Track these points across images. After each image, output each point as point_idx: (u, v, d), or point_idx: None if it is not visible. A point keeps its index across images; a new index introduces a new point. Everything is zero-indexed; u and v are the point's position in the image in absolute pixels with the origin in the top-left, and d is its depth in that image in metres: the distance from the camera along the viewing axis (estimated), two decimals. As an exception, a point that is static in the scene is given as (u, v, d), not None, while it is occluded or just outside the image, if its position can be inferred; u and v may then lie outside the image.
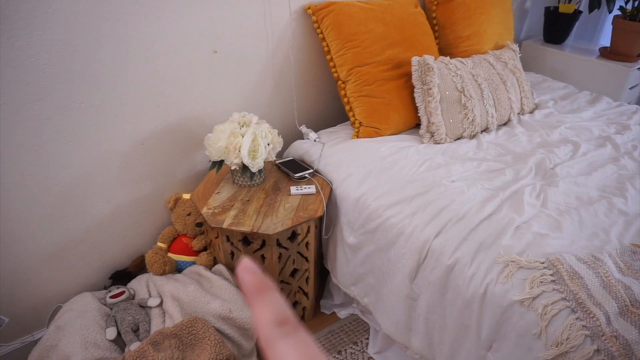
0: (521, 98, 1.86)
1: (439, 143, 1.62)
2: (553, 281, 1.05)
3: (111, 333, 1.34)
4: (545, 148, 1.60)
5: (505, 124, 1.81)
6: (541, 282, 1.05)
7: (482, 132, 1.72)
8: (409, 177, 1.42)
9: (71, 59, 1.22)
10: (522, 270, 1.09)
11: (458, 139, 1.67)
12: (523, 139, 1.68)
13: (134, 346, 1.31)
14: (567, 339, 0.96)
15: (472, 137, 1.69)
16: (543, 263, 1.09)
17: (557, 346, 0.97)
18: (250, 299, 0.24)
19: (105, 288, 1.57)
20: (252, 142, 1.36)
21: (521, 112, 1.87)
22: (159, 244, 1.58)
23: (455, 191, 1.34)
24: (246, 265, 0.24)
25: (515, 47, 1.95)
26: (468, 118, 1.64)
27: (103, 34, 1.24)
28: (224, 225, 1.32)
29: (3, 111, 1.17)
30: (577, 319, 0.99)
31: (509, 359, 1.07)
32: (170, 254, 1.58)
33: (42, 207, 1.34)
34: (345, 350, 1.56)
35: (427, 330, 1.28)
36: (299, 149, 1.68)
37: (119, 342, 1.35)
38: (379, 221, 1.35)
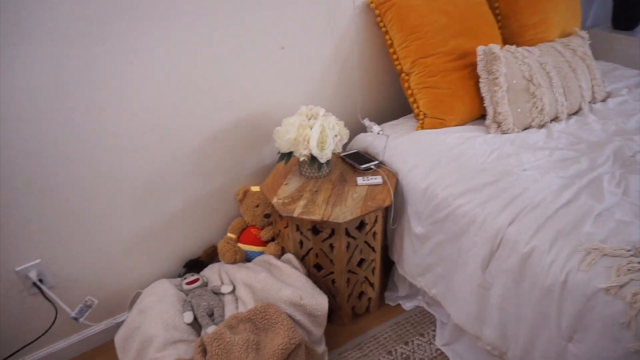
0: (592, 86, 1.78)
1: (506, 133, 1.59)
2: (642, 269, 1.01)
3: (188, 317, 1.41)
4: (622, 136, 1.52)
5: (575, 113, 1.75)
6: (629, 270, 1.01)
7: (551, 121, 1.67)
8: (479, 166, 1.40)
9: (154, 61, 1.30)
10: (607, 258, 1.05)
11: (526, 128, 1.63)
12: (596, 127, 1.61)
13: (210, 329, 1.37)
14: (661, 327, 0.92)
15: (541, 126, 1.64)
16: (629, 251, 1.05)
17: (649, 335, 0.93)
18: None
19: (179, 276, 1.65)
20: (321, 133, 1.39)
21: (592, 100, 1.80)
22: (229, 234, 1.65)
23: (528, 180, 1.31)
24: None
25: (584, 34, 1.88)
26: (537, 107, 1.60)
27: (177, 37, 1.32)
28: (295, 214, 1.35)
29: (93, 110, 1.26)
30: (671, 307, 0.94)
31: (594, 349, 1.03)
32: (239, 244, 1.63)
33: (125, 199, 1.44)
34: (412, 341, 1.55)
35: (500, 320, 1.25)
36: (363, 141, 1.69)
37: (195, 326, 1.42)
38: (449, 210, 1.34)
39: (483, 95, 1.62)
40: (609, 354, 1.01)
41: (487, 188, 1.31)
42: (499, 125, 1.60)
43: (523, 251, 1.15)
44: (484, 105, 1.62)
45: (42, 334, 1.41)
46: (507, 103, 1.58)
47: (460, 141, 1.53)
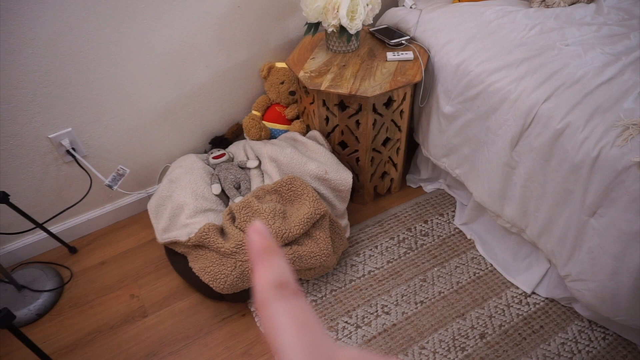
0: (654, -44, 1.60)
1: (550, 7, 1.47)
2: (680, 144, 0.98)
3: (216, 189, 1.47)
4: (679, 12, 1.40)
5: (630, -13, 1.59)
6: (666, 144, 0.98)
7: (602, -5, 1.53)
8: (518, 41, 1.32)
9: None
10: (645, 134, 1.02)
11: (573, 3, 1.50)
12: (653, 3, 1.47)
13: (237, 199, 1.42)
14: (691, 199, 0.92)
15: (590, 1, 1.51)
16: (670, 126, 1.01)
17: (676, 207, 0.93)
18: (254, 260, 0.23)
19: (205, 152, 1.68)
20: (351, 1, 1.30)
21: (652, -27, 1.62)
22: (254, 111, 1.64)
23: (570, 55, 1.24)
24: (257, 227, 0.24)
25: None
26: (589, -22, 1.45)
27: None
28: (322, 88, 1.32)
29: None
30: None
31: (616, 223, 1.05)
32: (264, 122, 1.63)
33: (151, 68, 1.41)
34: (431, 220, 1.60)
35: (523, 198, 1.27)
36: (394, 16, 1.59)
37: (223, 198, 1.48)
38: (481, 87, 1.29)
39: (530, -37, 1.47)
40: (630, 227, 1.02)
41: (525, 63, 1.25)
42: (543, -1, 1.48)
43: (556, 128, 1.12)
44: (530, -25, 1.48)
45: (80, 200, 1.49)
46: (556, -27, 1.43)
47: (499, 15, 1.42)
